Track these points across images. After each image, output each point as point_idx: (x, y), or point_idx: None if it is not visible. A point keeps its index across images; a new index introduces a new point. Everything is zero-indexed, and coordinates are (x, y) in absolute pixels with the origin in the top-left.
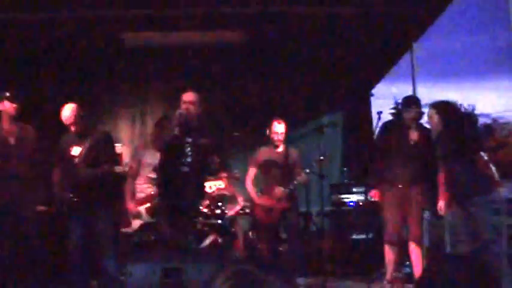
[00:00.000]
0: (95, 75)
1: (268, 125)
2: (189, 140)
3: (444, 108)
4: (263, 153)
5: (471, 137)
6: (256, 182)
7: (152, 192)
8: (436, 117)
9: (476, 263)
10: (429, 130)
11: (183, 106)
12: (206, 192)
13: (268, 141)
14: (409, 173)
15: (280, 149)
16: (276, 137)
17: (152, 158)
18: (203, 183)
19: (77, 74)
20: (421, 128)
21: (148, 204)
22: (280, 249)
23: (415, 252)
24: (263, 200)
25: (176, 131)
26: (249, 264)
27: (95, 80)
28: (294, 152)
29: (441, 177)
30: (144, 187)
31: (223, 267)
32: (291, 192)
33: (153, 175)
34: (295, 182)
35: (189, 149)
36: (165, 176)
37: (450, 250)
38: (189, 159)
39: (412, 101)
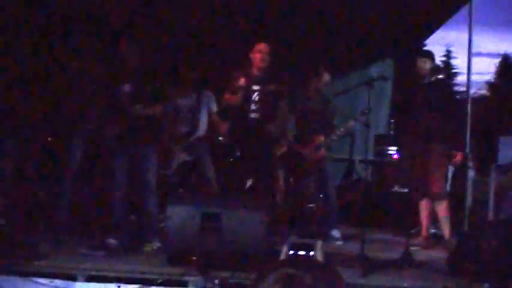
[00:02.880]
0: None
1: (316, 73)
2: (256, 88)
3: None
4: (301, 101)
5: None
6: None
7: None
8: None
9: None
10: (449, 89)
11: (257, 55)
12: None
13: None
14: (427, 130)
15: (318, 97)
16: (323, 87)
17: (185, 100)
18: (270, 129)
19: None
20: (440, 85)
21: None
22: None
23: (438, 211)
24: (302, 148)
25: (241, 82)
26: (297, 269)
27: None
28: (328, 102)
29: None
30: (181, 126)
31: (270, 270)
32: (330, 142)
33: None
34: (341, 129)
35: (257, 96)
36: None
37: (494, 215)
38: (257, 106)
39: (426, 53)
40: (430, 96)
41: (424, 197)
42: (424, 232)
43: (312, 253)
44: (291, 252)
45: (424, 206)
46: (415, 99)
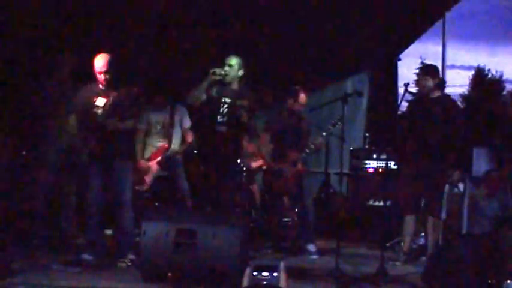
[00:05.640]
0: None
1: (292, 93)
2: (228, 100)
3: None
4: (276, 119)
5: None
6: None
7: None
8: None
9: (490, 244)
10: (454, 105)
11: (226, 68)
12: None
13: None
14: (430, 147)
15: (292, 115)
16: (299, 108)
17: (159, 116)
18: (239, 143)
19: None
20: (444, 101)
21: (159, 158)
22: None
23: (431, 226)
24: (279, 164)
25: (214, 92)
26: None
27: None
28: (304, 119)
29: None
30: (154, 142)
31: None
32: (305, 157)
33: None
34: (311, 146)
35: (226, 109)
36: (202, 136)
37: (466, 229)
38: (225, 119)
39: (429, 70)
40: (435, 112)
41: (416, 212)
42: (406, 247)
43: (275, 274)
44: (255, 273)
45: (409, 221)
46: (420, 115)
